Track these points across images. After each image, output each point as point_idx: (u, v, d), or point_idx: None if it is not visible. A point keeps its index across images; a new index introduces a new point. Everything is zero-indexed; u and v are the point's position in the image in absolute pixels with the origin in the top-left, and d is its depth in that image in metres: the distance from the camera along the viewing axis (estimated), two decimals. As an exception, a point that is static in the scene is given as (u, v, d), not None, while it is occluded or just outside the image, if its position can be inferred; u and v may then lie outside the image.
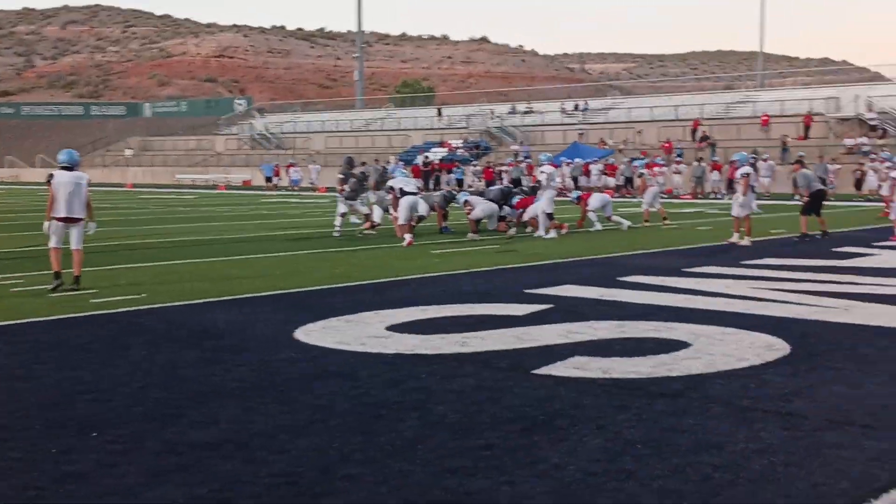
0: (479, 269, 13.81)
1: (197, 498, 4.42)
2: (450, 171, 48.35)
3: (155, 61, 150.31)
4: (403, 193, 18.73)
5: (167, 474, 4.76)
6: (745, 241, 17.47)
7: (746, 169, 18.34)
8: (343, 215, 20.37)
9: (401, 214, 18.61)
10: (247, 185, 61.61)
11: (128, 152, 78.52)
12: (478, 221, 20.03)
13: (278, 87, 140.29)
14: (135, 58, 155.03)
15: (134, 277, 13.06)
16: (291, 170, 50.72)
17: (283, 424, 5.67)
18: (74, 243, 11.83)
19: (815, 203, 19.18)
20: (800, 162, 21.44)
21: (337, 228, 20.16)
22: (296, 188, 48.62)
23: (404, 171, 22.62)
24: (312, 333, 8.61)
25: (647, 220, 23.01)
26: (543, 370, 7.05)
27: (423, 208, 20.06)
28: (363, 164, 27.51)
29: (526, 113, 63.92)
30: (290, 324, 9.09)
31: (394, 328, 8.83)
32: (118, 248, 17.79)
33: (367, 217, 20.75)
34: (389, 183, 19.63)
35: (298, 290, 11.68)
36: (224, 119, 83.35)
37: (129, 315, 9.79)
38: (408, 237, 17.90)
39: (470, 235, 19.35)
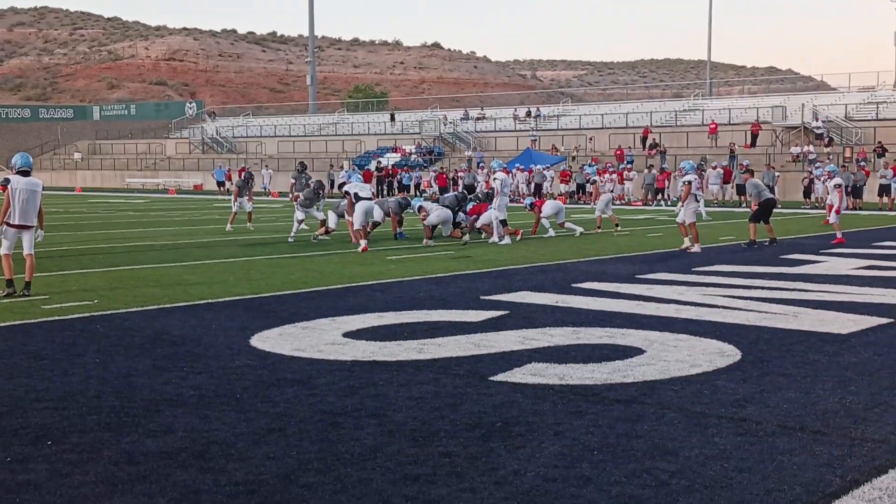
0: (434, 276, 13.85)
1: (156, 507, 4.39)
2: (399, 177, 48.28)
3: (104, 64, 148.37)
4: (358, 198, 18.70)
5: (125, 484, 4.72)
6: (696, 248, 17.69)
7: (689, 177, 18.52)
8: (300, 221, 20.37)
9: (356, 219, 18.59)
10: (198, 189, 61.05)
11: (76, 155, 77.43)
12: (433, 228, 20.06)
13: (229, 91, 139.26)
14: (83, 60, 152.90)
15: (85, 283, 12.91)
16: (244, 174, 50.21)
17: (241, 432, 5.65)
18: (26, 249, 11.68)
19: (764, 211, 19.49)
20: (749, 171, 21.78)
21: (292, 235, 20.15)
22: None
23: (359, 175, 22.60)
24: (269, 340, 8.58)
25: (599, 227, 23.21)
26: (501, 377, 7.10)
27: (378, 214, 20.07)
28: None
29: (479, 119, 64.14)
30: (246, 330, 9.05)
31: (350, 335, 8.83)
32: (69, 253, 17.56)
33: (323, 223, 20.71)
34: (345, 188, 19.64)
35: (254, 296, 11.62)
36: (175, 123, 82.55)
37: (81, 321, 9.68)
38: (363, 243, 17.91)
39: (425, 241, 19.38)
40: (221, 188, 52.05)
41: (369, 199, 19.05)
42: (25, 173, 11.72)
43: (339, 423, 5.85)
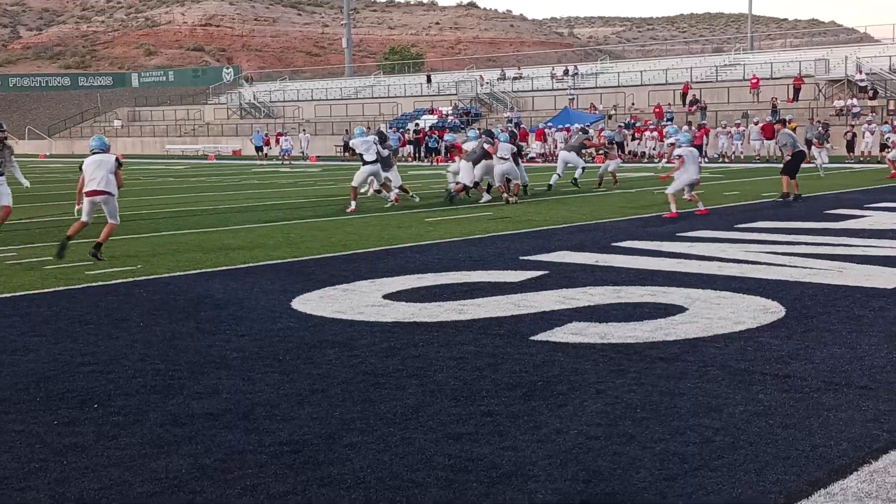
0: (473, 237, 13.82)
1: (202, 468, 4.44)
2: (441, 138, 48.01)
3: (141, 31, 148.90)
4: (364, 161, 18.58)
5: (171, 445, 4.77)
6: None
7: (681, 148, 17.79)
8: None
9: (357, 177, 18.66)
10: (237, 154, 61.33)
11: (116, 123, 78.05)
12: (466, 188, 19.98)
13: (266, 56, 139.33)
14: (121, 27, 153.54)
15: (128, 249, 13.05)
16: (282, 139, 50.34)
17: (285, 394, 5.69)
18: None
19: (795, 164, 19.19)
20: (781, 121, 21.47)
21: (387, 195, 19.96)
22: (287, 157, 48.30)
23: (396, 135, 22.57)
24: (310, 303, 8.62)
25: (601, 185, 23.43)
26: (541, 336, 7.08)
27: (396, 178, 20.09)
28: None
29: (516, 79, 63.67)
30: (287, 293, 9.10)
31: (390, 297, 8.85)
32: (110, 219, 17.71)
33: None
34: (352, 143, 19.68)
35: (294, 259, 11.68)
36: (212, 88, 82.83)
37: (125, 286, 9.78)
38: (353, 204, 18.11)
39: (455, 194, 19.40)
40: (260, 153, 52.20)
41: (374, 162, 18.83)
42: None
43: (381, 384, 5.87)
